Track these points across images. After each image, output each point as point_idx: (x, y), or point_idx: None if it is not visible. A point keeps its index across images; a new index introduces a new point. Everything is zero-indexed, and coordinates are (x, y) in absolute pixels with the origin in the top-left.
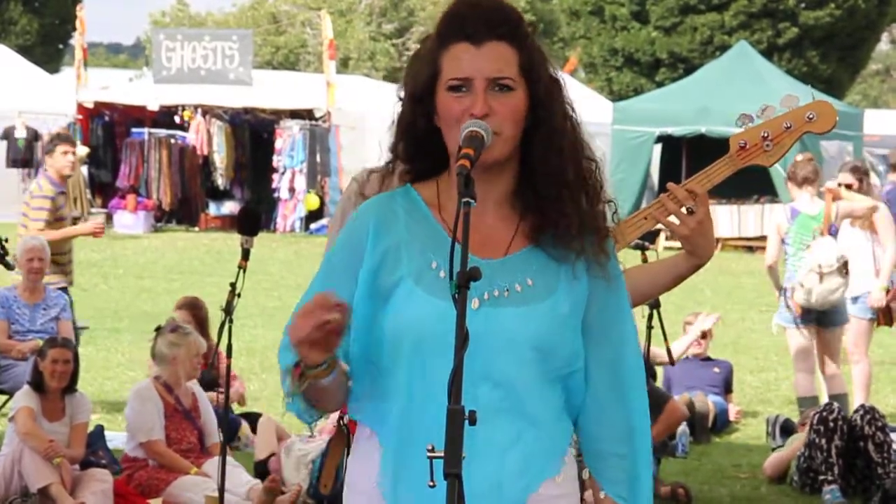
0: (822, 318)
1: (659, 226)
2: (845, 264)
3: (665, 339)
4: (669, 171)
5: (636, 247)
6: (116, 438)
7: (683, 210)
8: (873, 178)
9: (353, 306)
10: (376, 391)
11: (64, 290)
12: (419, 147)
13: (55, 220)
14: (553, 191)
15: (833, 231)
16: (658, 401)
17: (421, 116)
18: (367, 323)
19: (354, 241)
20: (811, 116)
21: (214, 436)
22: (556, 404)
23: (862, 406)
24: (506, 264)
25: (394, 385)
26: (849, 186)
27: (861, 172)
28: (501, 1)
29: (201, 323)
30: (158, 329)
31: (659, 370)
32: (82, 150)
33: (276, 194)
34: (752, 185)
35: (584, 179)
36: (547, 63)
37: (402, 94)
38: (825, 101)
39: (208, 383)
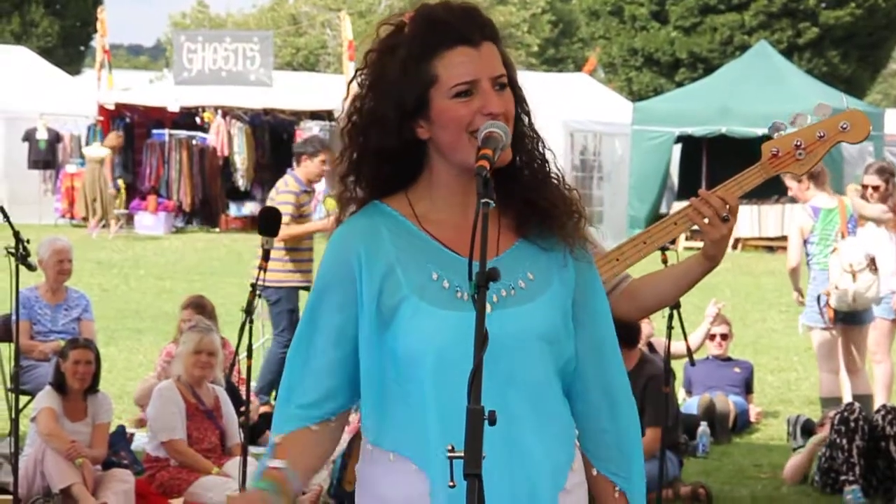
0: (849, 317)
1: None
2: (873, 260)
3: (685, 338)
4: (689, 171)
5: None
6: (138, 439)
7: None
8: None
9: (348, 337)
10: (399, 414)
11: (305, 289)
12: (397, 164)
13: (299, 217)
14: (538, 181)
15: (852, 227)
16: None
17: (408, 131)
18: (375, 349)
19: (344, 273)
20: (845, 126)
21: (236, 437)
22: (561, 396)
23: (884, 406)
24: (502, 263)
25: (420, 405)
26: (875, 188)
27: (887, 173)
28: (472, 4)
29: (211, 319)
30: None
31: (679, 370)
32: (103, 152)
33: None
34: (773, 185)
35: (550, 169)
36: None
37: (366, 117)
38: (859, 110)
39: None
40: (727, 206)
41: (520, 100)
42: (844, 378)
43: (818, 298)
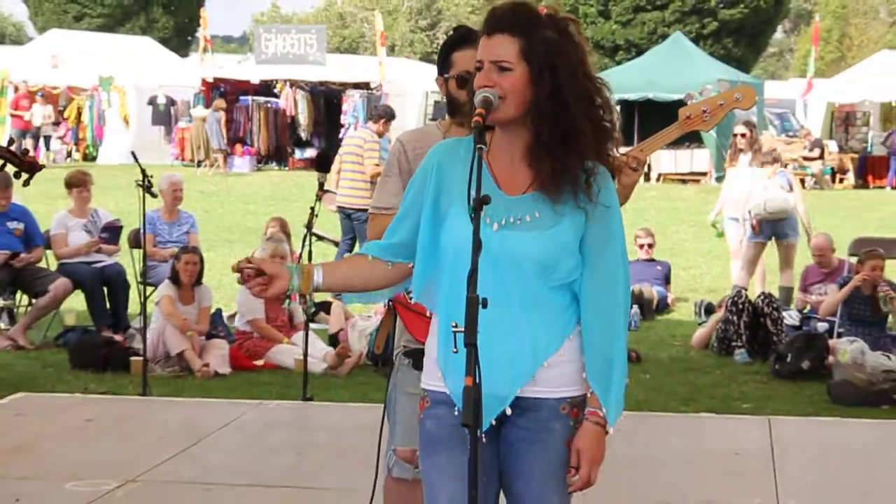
0: (777, 232)
1: None
2: (791, 185)
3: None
4: (626, 127)
5: None
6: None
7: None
8: (771, 131)
9: (421, 225)
10: (434, 284)
11: None
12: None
13: (377, 164)
14: (537, 150)
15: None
16: None
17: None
18: (432, 238)
19: (423, 175)
20: (738, 97)
21: (300, 316)
22: (558, 303)
23: (763, 293)
24: (522, 200)
25: (442, 282)
26: (742, 135)
27: (751, 125)
28: (517, 3)
29: (287, 234)
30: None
31: None
32: (204, 112)
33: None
34: (686, 136)
35: (575, 140)
36: (553, 49)
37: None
38: (749, 84)
39: None
40: (637, 161)
41: (536, 82)
42: (757, 276)
43: (749, 214)
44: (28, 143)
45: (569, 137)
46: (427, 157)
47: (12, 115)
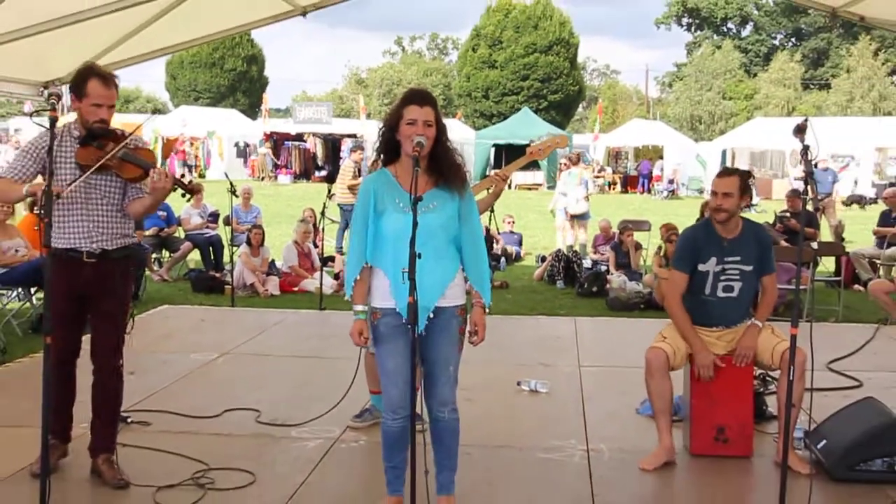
0: (579, 217)
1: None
2: (587, 198)
3: (497, 224)
4: (497, 159)
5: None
6: (279, 264)
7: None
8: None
9: (368, 223)
10: (378, 253)
11: None
12: (389, 149)
13: (353, 178)
14: (444, 166)
15: (584, 182)
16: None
17: (392, 136)
18: (374, 228)
19: (368, 194)
20: (558, 141)
21: (317, 263)
22: (451, 253)
23: (570, 247)
24: (428, 195)
25: (387, 250)
26: (565, 164)
27: (569, 158)
28: (426, 90)
29: (316, 217)
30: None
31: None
32: (265, 150)
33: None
34: (532, 164)
35: (455, 160)
36: (441, 115)
37: (383, 129)
38: (564, 134)
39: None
40: (505, 175)
41: (442, 131)
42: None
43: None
44: (184, 168)
45: (452, 158)
46: (366, 188)
47: (177, 152)
